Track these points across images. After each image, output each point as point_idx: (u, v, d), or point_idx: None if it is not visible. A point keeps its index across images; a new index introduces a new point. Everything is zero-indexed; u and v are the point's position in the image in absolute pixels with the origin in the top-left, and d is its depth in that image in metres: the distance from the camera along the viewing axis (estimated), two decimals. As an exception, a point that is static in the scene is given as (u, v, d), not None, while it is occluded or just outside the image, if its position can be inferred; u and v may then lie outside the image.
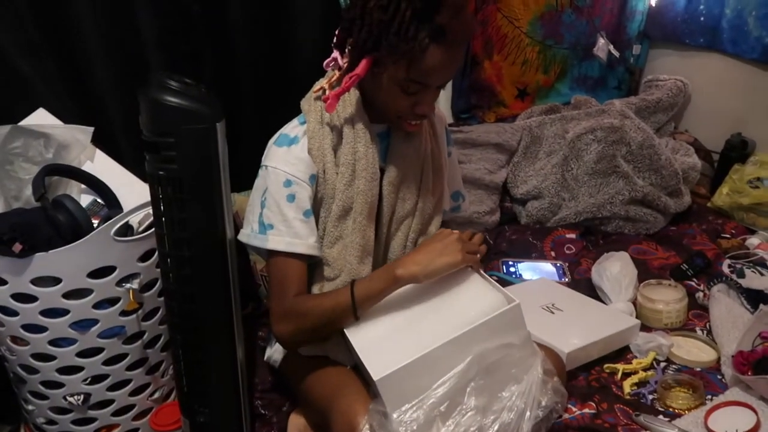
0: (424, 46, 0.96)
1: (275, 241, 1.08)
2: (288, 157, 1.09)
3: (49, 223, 1.21)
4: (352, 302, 1.02)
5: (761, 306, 1.26)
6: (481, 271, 1.07)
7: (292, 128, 1.14)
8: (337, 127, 1.10)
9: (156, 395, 1.50)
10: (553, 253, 1.78)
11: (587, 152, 1.88)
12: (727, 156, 2.05)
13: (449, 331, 0.95)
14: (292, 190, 1.08)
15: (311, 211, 1.10)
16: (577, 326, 1.31)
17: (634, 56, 2.35)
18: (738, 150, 2.03)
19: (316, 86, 1.14)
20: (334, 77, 1.09)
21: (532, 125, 2.04)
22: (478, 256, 1.07)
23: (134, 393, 1.44)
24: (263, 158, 1.13)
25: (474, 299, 1.01)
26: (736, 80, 2.08)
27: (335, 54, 1.08)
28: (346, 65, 1.05)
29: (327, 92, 1.09)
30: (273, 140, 1.14)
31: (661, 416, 1.14)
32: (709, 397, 1.18)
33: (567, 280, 1.65)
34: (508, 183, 1.99)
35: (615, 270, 1.51)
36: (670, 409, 1.17)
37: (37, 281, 1.22)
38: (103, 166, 1.42)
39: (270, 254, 1.11)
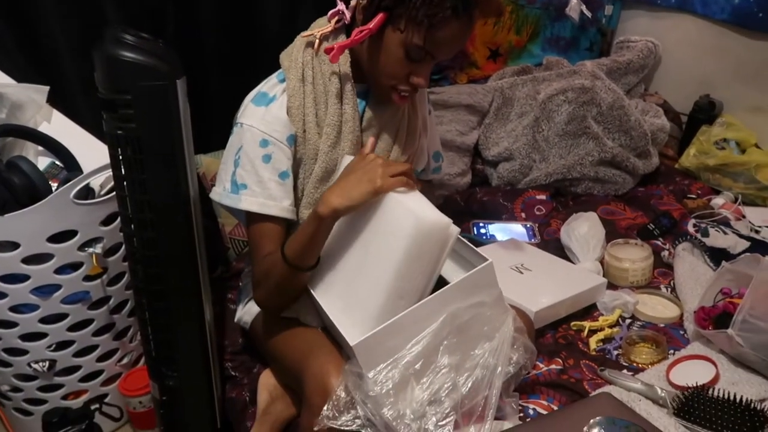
0: (447, 15, 0.94)
1: (248, 202, 1.05)
2: (266, 117, 1.05)
3: (4, 186, 1.17)
4: (284, 259, 1.00)
5: (724, 263, 1.28)
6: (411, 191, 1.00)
7: (271, 86, 1.09)
8: (320, 86, 1.06)
9: (125, 360, 1.49)
10: (523, 215, 1.79)
11: (558, 113, 1.87)
12: (695, 118, 2.07)
13: (386, 268, 0.94)
14: (268, 151, 1.05)
15: (288, 173, 1.07)
16: (545, 286, 1.32)
17: (606, 17, 2.33)
18: (706, 111, 2.05)
19: (304, 34, 1.09)
20: (328, 28, 1.05)
21: (503, 86, 2.02)
22: (404, 178, 0.98)
23: (102, 359, 1.42)
24: (239, 115, 1.09)
25: (394, 225, 0.96)
26: (705, 42, 2.09)
27: (340, 6, 1.04)
28: (351, 18, 1.02)
29: (317, 43, 1.05)
30: (250, 97, 1.09)
31: (625, 371, 1.16)
32: (672, 351, 1.22)
33: (537, 240, 1.66)
34: (479, 145, 1.98)
35: (583, 230, 1.53)
36: (634, 364, 1.19)
37: (-6, 246, 1.18)
38: (60, 127, 1.37)
39: (248, 216, 1.08)
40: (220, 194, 1.09)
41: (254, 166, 1.05)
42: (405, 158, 1.19)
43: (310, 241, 0.99)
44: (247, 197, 1.05)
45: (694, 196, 1.87)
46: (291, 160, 1.07)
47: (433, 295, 0.95)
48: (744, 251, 1.46)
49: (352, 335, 0.92)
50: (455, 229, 0.97)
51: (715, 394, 1.02)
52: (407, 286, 0.96)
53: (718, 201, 1.79)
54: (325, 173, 1.09)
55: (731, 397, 1.00)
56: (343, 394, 0.94)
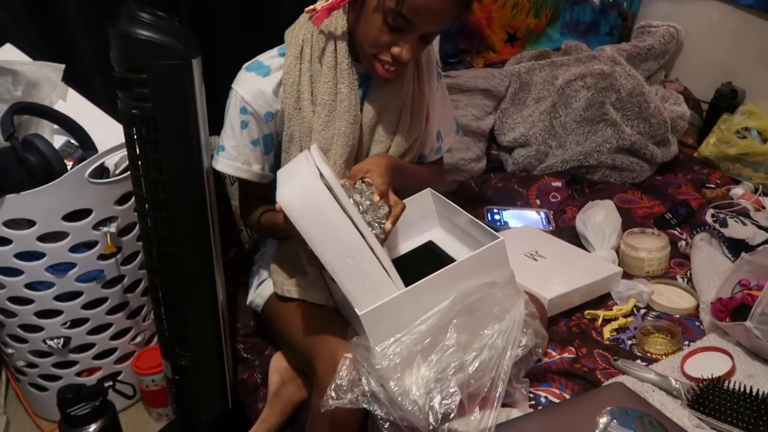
0: None
1: (224, 164, 1.12)
2: (252, 86, 1.09)
3: (20, 163, 1.17)
4: (259, 222, 1.15)
5: (743, 254, 1.26)
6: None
7: (269, 57, 1.12)
8: (317, 65, 1.07)
9: (138, 339, 1.50)
10: (538, 201, 1.77)
11: (576, 99, 1.84)
12: (717, 105, 2.02)
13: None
14: (246, 118, 1.10)
15: (258, 142, 1.12)
16: (559, 273, 1.31)
17: (628, 1, 2.28)
18: (727, 99, 2.00)
19: (308, 9, 1.08)
20: (329, 1, 1.03)
21: (521, 71, 1.99)
22: None
23: (115, 337, 1.43)
24: (234, 80, 1.12)
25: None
26: (729, 27, 2.04)
27: None
28: None
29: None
30: (246, 63, 1.13)
31: (638, 361, 1.15)
32: (687, 342, 1.20)
33: (551, 228, 1.65)
34: (495, 130, 1.95)
35: (599, 218, 1.51)
36: (648, 354, 1.18)
37: (10, 224, 1.19)
38: (76, 106, 1.37)
39: None
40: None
41: (234, 131, 1.11)
42: (410, 143, 1.18)
43: (282, 230, 1.01)
44: (224, 159, 1.12)
45: (713, 185, 1.84)
46: (265, 132, 1.12)
47: (442, 269, 0.94)
48: (763, 242, 1.44)
49: (361, 305, 0.92)
50: (321, 180, 0.88)
51: (731, 386, 1.01)
52: (336, 249, 0.89)
53: (737, 191, 1.76)
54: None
55: (747, 390, 0.99)
56: (345, 374, 0.94)
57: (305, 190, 0.89)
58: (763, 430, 0.93)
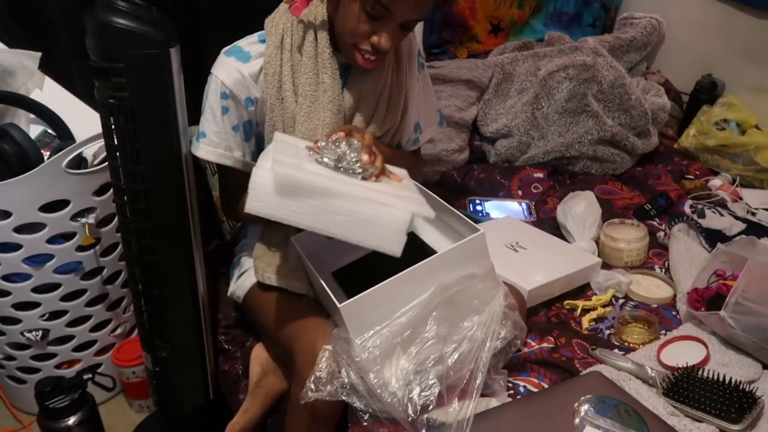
0: None
1: (206, 151, 1.10)
2: (232, 71, 1.08)
3: (-5, 153, 1.15)
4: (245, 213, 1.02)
5: (719, 245, 1.28)
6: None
7: (249, 43, 1.11)
8: (298, 55, 1.06)
9: (118, 331, 1.49)
10: (520, 192, 1.78)
11: (558, 90, 1.85)
12: (697, 97, 2.04)
13: None
14: (226, 104, 1.08)
15: (238, 128, 1.11)
16: (539, 264, 1.32)
17: (611, -8, 2.29)
18: (707, 91, 2.02)
19: None
20: None
21: (504, 62, 1.99)
22: None
23: (95, 329, 1.42)
24: (213, 65, 1.11)
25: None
26: (710, 20, 2.05)
27: None
28: None
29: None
30: (226, 48, 1.11)
31: (616, 350, 1.17)
32: (664, 332, 1.22)
33: (533, 218, 1.66)
34: (478, 121, 1.96)
35: (579, 209, 1.52)
36: (626, 344, 1.20)
37: (-15, 215, 1.17)
38: (53, 95, 1.35)
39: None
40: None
41: (215, 117, 1.09)
42: (382, 132, 1.18)
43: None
44: (205, 146, 1.10)
45: (691, 176, 1.86)
46: (244, 119, 1.11)
47: (422, 262, 0.94)
48: (739, 233, 1.46)
49: (341, 297, 0.92)
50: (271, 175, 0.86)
51: (705, 375, 1.02)
52: (321, 215, 0.88)
53: (715, 182, 1.78)
54: None
55: (721, 378, 1.01)
56: (325, 366, 0.94)
57: (262, 188, 0.87)
58: (735, 418, 0.95)
